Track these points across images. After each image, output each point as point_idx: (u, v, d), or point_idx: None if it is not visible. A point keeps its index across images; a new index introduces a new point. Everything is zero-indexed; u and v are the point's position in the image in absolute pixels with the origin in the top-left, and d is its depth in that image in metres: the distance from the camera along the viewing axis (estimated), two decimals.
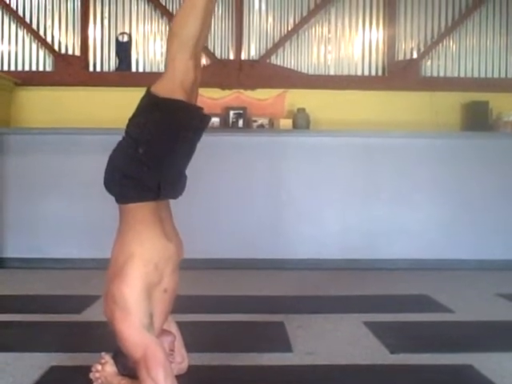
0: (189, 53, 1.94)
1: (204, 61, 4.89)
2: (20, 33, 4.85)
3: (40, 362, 2.28)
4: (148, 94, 1.94)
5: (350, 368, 2.29)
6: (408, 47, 4.99)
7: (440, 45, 4.98)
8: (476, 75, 4.97)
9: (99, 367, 1.96)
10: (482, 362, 2.31)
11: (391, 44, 4.95)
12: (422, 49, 4.97)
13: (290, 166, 4.57)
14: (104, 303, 1.93)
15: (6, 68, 4.82)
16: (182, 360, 2.11)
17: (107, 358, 1.97)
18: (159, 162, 1.92)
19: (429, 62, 4.98)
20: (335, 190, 4.57)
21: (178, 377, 1.92)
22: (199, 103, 2.07)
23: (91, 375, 1.97)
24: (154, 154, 1.91)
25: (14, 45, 4.85)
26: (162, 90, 1.92)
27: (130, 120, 1.96)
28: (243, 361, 2.33)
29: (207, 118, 2.05)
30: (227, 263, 4.42)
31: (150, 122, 1.92)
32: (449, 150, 4.59)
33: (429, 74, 4.98)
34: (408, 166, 4.57)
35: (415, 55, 4.98)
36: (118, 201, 1.96)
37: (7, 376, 2.14)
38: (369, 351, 2.49)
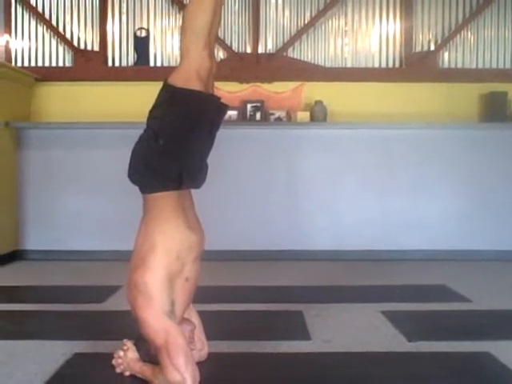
0: (202, 43, 1.98)
1: (221, 54, 4.92)
2: (40, 29, 4.90)
3: (63, 349, 2.32)
4: (165, 85, 1.98)
5: (368, 355, 2.31)
6: (425, 39, 4.97)
7: (457, 36, 4.95)
8: (494, 66, 4.93)
9: (121, 353, 2.01)
10: (499, 349, 2.33)
11: (408, 36, 4.93)
12: (440, 40, 4.94)
13: (307, 158, 4.59)
14: (127, 291, 1.97)
15: (26, 64, 4.87)
16: (203, 347, 2.16)
17: (129, 344, 2.02)
18: (179, 152, 1.96)
19: (446, 54, 4.96)
20: (352, 181, 4.59)
21: (198, 363, 1.96)
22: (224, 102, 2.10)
23: (114, 361, 2.02)
24: (174, 144, 1.95)
25: (34, 41, 4.90)
26: (179, 80, 1.95)
27: (150, 112, 2.00)
28: (262, 348, 2.36)
29: (225, 106, 2.08)
30: (245, 255, 4.46)
31: (168, 114, 1.96)
32: (467, 141, 4.58)
33: (446, 66, 4.95)
34: (425, 157, 4.57)
35: (432, 47, 4.95)
36: (141, 191, 2.01)
37: (31, 363, 2.19)
38: (386, 339, 2.51)
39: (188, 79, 1.94)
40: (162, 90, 1.99)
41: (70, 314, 2.92)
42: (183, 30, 2.03)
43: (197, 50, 1.97)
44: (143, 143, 1.99)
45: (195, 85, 1.94)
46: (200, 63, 1.97)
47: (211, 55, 2.03)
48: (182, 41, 2.04)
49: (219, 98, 2.05)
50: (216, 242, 4.08)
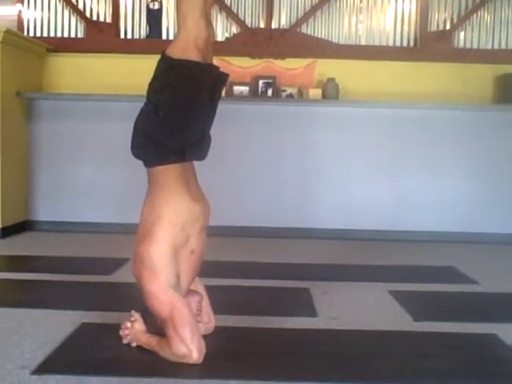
0: (198, 11, 1.95)
1: (234, 29, 4.88)
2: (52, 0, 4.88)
3: (71, 318, 2.34)
4: (163, 57, 1.96)
5: (374, 333, 2.31)
6: (441, 18, 4.90)
7: (474, 16, 4.88)
8: (510, 47, 4.87)
9: (129, 325, 2.03)
10: (506, 331, 2.32)
11: (424, 14, 4.87)
12: (456, 20, 4.88)
13: (318, 135, 4.57)
14: (133, 263, 1.98)
15: (38, 34, 4.85)
16: (209, 320, 2.17)
17: (136, 316, 2.04)
18: (180, 124, 1.94)
19: (462, 34, 4.89)
20: (363, 160, 4.56)
21: (204, 336, 1.98)
22: (229, 72, 2.08)
23: (121, 332, 2.04)
24: (174, 116, 1.94)
25: (47, 11, 4.87)
26: (176, 50, 1.94)
27: (149, 85, 1.98)
28: (269, 323, 2.37)
29: (224, 75, 2.06)
30: (254, 231, 4.46)
31: (167, 86, 1.94)
32: (480, 122, 4.54)
33: (461, 46, 4.88)
34: (438, 138, 4.53)
35: (448, 26, 4.89)
36: (145, 165, 2.00)
37: (40, 331, 2.20)
38: (393, 318, 2.51)
39: (185, 49, 1.92)
40: (160, 62, 1.97)
41: (78, 284, 2.94)
42: (179, 0, 2.01)
43: (193, 19, 1.94)
44: (144, 116, 1.98)
45: (193, 54, 1.92)
46: (197, 32, 1.94)
47: (208, 24, 1.99)
48: (178, 9, 2.01)
49: (218, 68, 2.02)
50: (224, 218, 4.11)
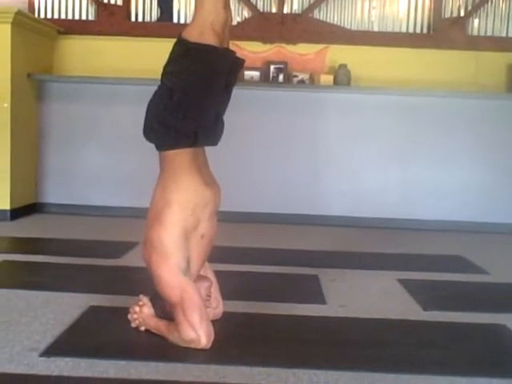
0: None
1: (246, 14, 4.83)
2: None
3: (79, 301, 2.34)
4: (179, 39, 1.93)
5: (383, 322, 2.30)
6: (455, 5, 4.83)
7: (488, 3, 4.81)
8: None
9: (137, 309, 2.02)
10: None
11: (438, 1, 4.79)
12: (470, 7, 4.81)
13: (329, 122, 4.54)
14: (143, 247, 1.98)
15: (49, 16, 4.82)
16: (217, 306, 2.16)
17: (145, 300, 2.03)
18: (194, 108, 1.93)
19: (476, 21, 4.83)
20: (374, 147, 4.53)
21: (213, 321, 1.97)
22: (240, 56, 2.06)
23: (129, 316, 2.04)
24: (189, 100, 1.92)
25: None
26: (193, 32, 1.91)
27: (164, 68, 1.96)
28: (277, 310, 2.37)
29: (240, 60, 2.04)
30: (264, 217, 4.46)
31: (182, 69, 1.92)
32: (492, 111, 4.50)
33: (475, 33, 4.82)
34: (449, 126, 4.50)
35: (462, 13, 4.82)
36: (156, 148, 1.99)
37: (48, 313, 2.21)
38: (401, 307, 2.50)
39: (202, 32, 1.90)
40: (176, 45, 1.95)
41: (87, 267, 2.94)
42: None
43: (211, 1, 1.92)
44: (157, 100, 1.96)
45: (210, 38, 1.90)
46: (215, 15, 1.92)
47: (226, 7, 1.96)
48: None
49: (234, 53, 2.00)
50: (234, 204, 4.09)
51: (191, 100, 1.92)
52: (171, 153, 1.95)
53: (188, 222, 1.93)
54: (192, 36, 1.90)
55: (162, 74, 1.96)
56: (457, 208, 4.49)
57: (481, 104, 4.49)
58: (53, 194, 4.62)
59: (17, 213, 4.24)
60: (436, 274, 3.08)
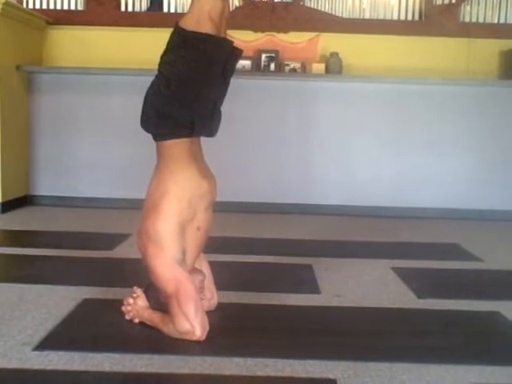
0: None
1: (236, 2, 4.80)
2: None
3: (73, 294, 2.33)
4: (176, 29, 1.92)
5: (378, 311, 2.30)
6: None
7: None
8: None
9: (131, 301, 2.01)
10: (510, 309, 2.30)
11: None
12: None
13: (321, 111, 4.52)
14: (138, 238, 1.97)
15: (38, 6, 4.77)
16: (212, 297, 2.15)
17: (139, 292, 2.02)
18: (191, 97, 1.92)
19: (468, 7, 4.81)
20: (367, 136, 4.52)
21: (207, 313, 1.96)
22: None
23: (123, 308, 2.03)
24: (186, 90, 1.91)
25: None
26: (190, 21, 1.90)
27: (161, 57, 1.95)
28: (271, 300, 2.36)
29: (237, 50, 2.02)
30: (256, 207, 4.45)
31: (179, 58, 1.91)
32: (485, 98, 4.49)
33: (467, 20, 4.81)
34: (442, 113, 4.49)
35: (454, 0, 4.80)
36: (154, 138, 1.98)
37: (41, 307, 2.19)
38: (396, 295, 2.50)
39: (199, 21, 1.89)
40: (172, 34, 1.94)
41: (79, 259, 2.92)
42: None
43: None
44: (155, 89, 1.95)
45: (207, 27, 1.89)
46: (211, 4, 1.91)
47: None
48: None
49: (232, 42, 1.99)
50: (227, 194, 4.04)
51: (188, 89, 1.91)
52: (168, 143, 1.94)
53: (184, 214, 1.92)
54: (189, 25, 1.89)
55: (159, 64, 1.95)
56: (451, 196, 4.49)
57: (474, 91, 4.48)
58: (44, 186, 4.58)
59: (8, 205, 4.21)
60: (430, 262, 3.08)
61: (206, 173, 2.01)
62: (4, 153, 4.13)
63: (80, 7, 4.81)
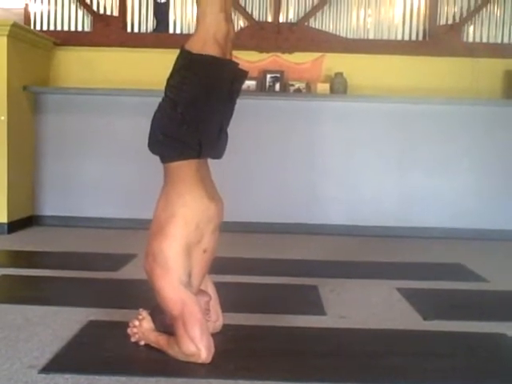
0: (218, 6, 1.94)
1: (241, 23, 4.84)
2: None
3: (78, 316, 2.33)
4: (182, 51, 1.94)
5: (383, 332, 2.29)
6: (450, 11, 4.84)
7: (483, 9, 4.82)
8: None
9: (137, 323, 2.01)
10: None
11: (433, 8, 4.81)
12: (465, 13, 4.82)
13: (326, 130, 4.54)
14: (145, 260, 1.97)
15: (45, 28, 4.82)
16: (218, 318, 2.15)
17: (145, 314, 2.02)
18: (198, 120, 1.93)
19: (471, 28, 4.84)
20: (371, 156, 4.53)
21: (213, 335, 1.96)
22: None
23: (129, 330, 2.03)
24: (192, 112, 1.92)
25: (54, 5, 4.83)
26: (195, 44, 1.92)
27: (168, 80, 1.97)
28: (277, 321, 2.35)
29: (243, 72, 2.04)
30: (261, 227, 4.45)
31: (185, 81, 1.92)
32: (489, 117, 4.50)
33: (471, 40, 4.83)
34: (447, 133, 4.50)
35: (457, 20, 4.83)
36: (161, 160, 1.99)
37: (47, 328, 2.19)
38: (401, 317, 2.50)
39: (205, 44, 1.91)
40: (178, 57, 1.96)
41: (85, 281, 2.92)
42: None
43: (213, 13, 1.93)
44: (162, 112, 1.97)
45: (212, 49, 1.91)
46: (217, 27, 1.93)
47: (228, 19, 1.97)
48: (198, 5, 2.00)
49: (237, 64, 2.01)
50: (231, 214, 4.06)
51: (195, 112, 1.92)
52: (175, 165, 1.95)
53: (191, 237, 1.93)
54: (194, 47, 1.91)
55: (166, 87, 1.97)
56: (455, 215, 4.49)
57: (478, 110, 4.49)
58: (50, 207, 4.60)
59: (14, 226, 4.22)
60: (435, 283, 3.07)
61: (213, 195, 2.02)
62: (11, 173, 4.16)
63: (87, 28, 4.86)
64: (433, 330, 2.34)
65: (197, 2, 2.02)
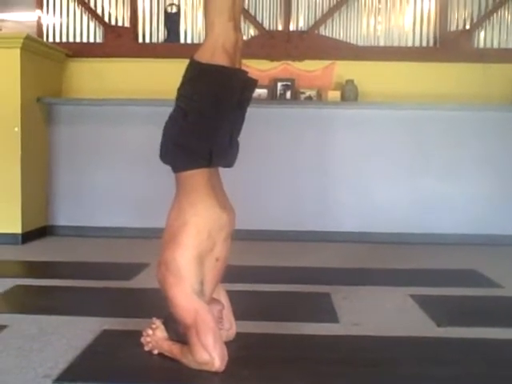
0: (227, 15, 1.94)
1: (252, 32, 4.86)
2: (71, 5, 4.87)
3: (92, 325, 2.34)
4: (191, 61, 1.96)
5: (397, 339, 2.28)
6: (461, 17, 4.84)
7: (494, 15, 4.81)
8: None
9: (150, 332, 2.02)
10: None
11: (443, 14, 4.81)
12: (476, 19, 4.81)
13: (337, 138, 4.54)
14: (157, 269, 1.97)
15: (57, 40, 4.86)
16: (231, 327, 2.15)
17: (158, 323, 2.03)
18: (208, 129, 1.94)
19: (482, 33, 4.83)
20: (383, 163, 4.53)
21: (226, 343, 1.96)
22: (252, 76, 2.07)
23: (142, 339, 2.03)
24: (203, 122, 1.93)
25: (66, 17, 4.88)
26: (204, 54, 1.93)
27: (178, 90, 1.98)
28: (290, 329, 2.35)
29: (252, 80, 2.05)
30: (273, 235, 4.45)
31: (195, 90, 1.94)
32: (501, 123, 4.49)
33: (482, 46, 4.82)
34: (458, 139, 4.49)
35: (468, 26, 4.83)
36: (173, 170, 2.00)
37: (61, 338, 2.21)
38: (415, 324, 2.48)
39: (214, 54, 1.92)
40: (188, 67, 1.97)
41: (98, 290, 2.94)
42: (207, 4, 1.99)
43: (222, 23, 1.94)
44: (173, 122, 1.98)
45: (221, 59, 1.92)
46: (225, 36, 1.94)
47: (237, 28, 1.98)
48: (206, 15, 2.01)
49: (246, 73, 2.01)
50: (243, 222, 4.06)
51: (205, 121, 1.93)
52: (187, 174, 1.96)
53: (203, 245, 1.93)
54: (204, 57, 1.92)
55: (176, 97, 1.98)
56: (468, 221, 4.47)
57: (490, 116, 4.48)
58: (63, 217, 4.63)
59: (28, 236, 4.25)
60: (449, 289, 3.06)
61: (225, 204, 2.03)
62: (24, 184, 4.19)
63: (98, 40, 4.90)
64: (447, 336, 2.33)
65: (205, 11, 2.04)
